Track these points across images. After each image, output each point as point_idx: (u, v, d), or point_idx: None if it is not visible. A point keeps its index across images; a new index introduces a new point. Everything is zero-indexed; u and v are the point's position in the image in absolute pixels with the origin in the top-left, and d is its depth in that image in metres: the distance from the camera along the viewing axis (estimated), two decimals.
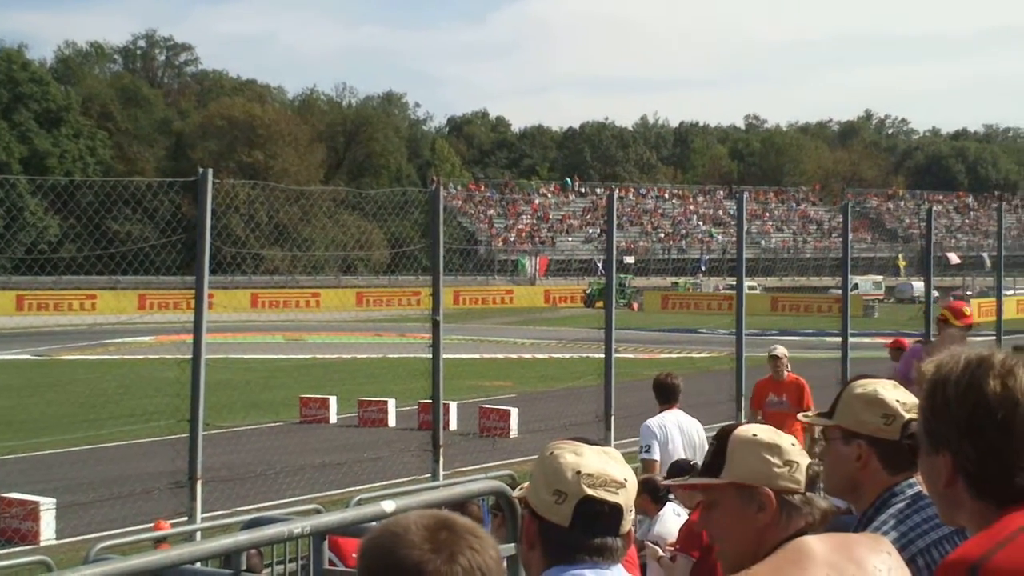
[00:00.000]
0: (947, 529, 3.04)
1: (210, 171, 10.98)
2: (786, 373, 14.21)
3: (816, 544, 2.69)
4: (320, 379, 32.88)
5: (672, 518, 8.44)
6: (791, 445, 2.85)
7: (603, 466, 2.61)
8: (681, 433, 10.23)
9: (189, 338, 10.89)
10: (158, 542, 10.61)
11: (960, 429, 2.20)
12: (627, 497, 2.61)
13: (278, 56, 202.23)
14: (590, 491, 2.57)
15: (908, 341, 15.77)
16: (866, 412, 3.32)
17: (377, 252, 57.91)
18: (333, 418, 26.52)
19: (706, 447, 9.97)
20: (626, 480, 2.62)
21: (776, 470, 2.79)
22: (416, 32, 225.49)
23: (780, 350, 14.43)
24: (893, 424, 3.27)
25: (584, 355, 38.89)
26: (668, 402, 10.47)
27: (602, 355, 14.74)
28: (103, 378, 31.61)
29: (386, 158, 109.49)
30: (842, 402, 3.39)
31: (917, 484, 3.26)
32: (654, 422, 10.31)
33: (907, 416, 3.22)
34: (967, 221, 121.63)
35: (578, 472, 2.59)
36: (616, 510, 2.59)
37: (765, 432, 2.87)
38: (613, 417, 14.57)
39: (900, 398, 3.32)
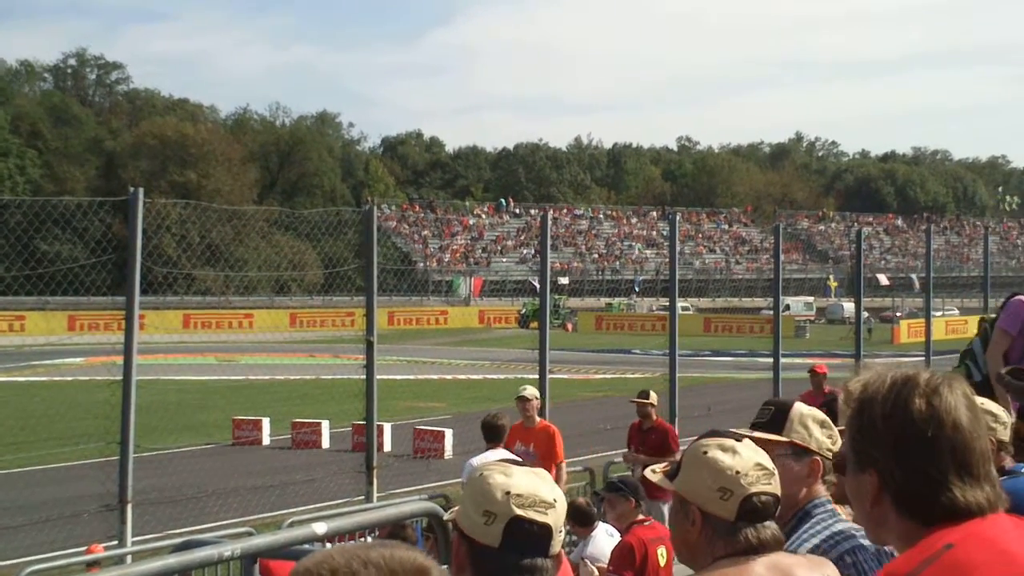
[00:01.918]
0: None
1: (141, 190, 10.89)
2: (537, 418, 12.41)
3: (756, 567, 2.71)
4: (253, 400, 32.61)
5: (604, 538, 8.50)
6: (749, 470, 2.79)
7: (533, 486, 2.60)
8: None
9: (119, 359, 10.78)
10: (89, 566, 10.48)
11: (886, 448, 2.22)
12: (556, 518, 2.60)
13: (211, 75, 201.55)
14: (519, 511, 2.55)
15: (826, 368, 15.81)
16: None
17: (311, 273, 57.62)
18: (266, 440, 26.31)
19: None
20: (555, 500, 2.61)
21: (708, 494, 2.77)
22: (350, 53, 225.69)
23: (529, 391, 12.50)
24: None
25: (518, 376, 38.81)
26: (493, 441, 10.92)
27: (536, 376, 14.74)
28: (32, 400, 31.16)
29: (320, 178, 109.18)
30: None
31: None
32: (476, 460, 10.51)
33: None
34: (896, 243, 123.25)
35: (507, 492, 2.56)
36: (546, 530, 2.58)
37: (719, 451, 2.82)
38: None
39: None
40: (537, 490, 2.60)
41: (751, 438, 3.25)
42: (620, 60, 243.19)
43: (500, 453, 10.54)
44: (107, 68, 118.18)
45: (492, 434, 10.98)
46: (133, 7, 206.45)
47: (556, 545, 2.60)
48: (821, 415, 3.40)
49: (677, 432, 13.90)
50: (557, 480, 10.64)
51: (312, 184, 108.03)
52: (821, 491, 3.38)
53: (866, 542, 3.19)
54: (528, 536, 2.57)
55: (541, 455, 11.90)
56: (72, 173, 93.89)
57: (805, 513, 3.33)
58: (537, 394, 12.60)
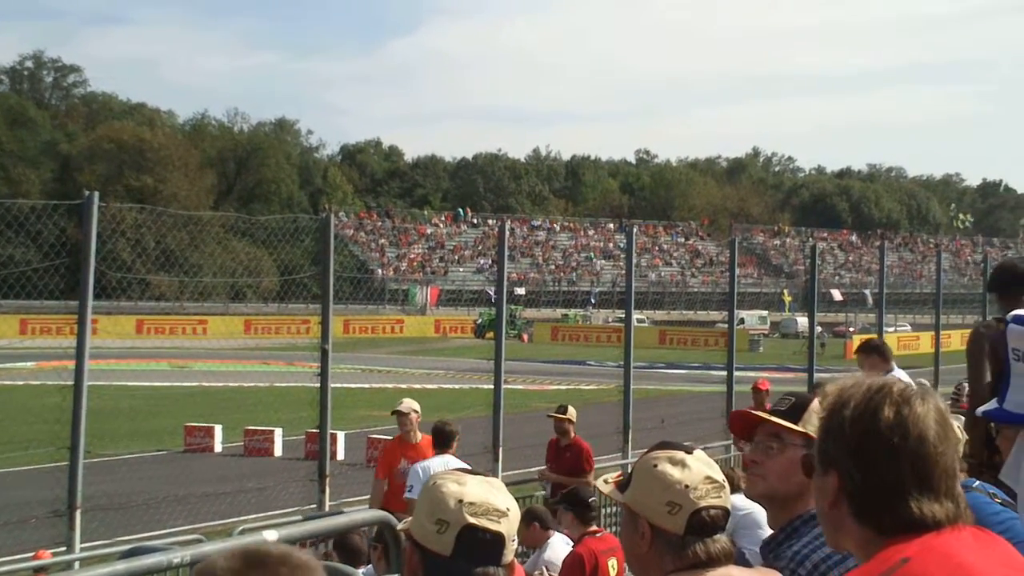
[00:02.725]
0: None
1: (96, 194, 10.83)
2: (419, 434, 11.76)
3: None
4: (206, 407, 32.42)
5: (562, 546, 8.53)
6: (699, 483, 2.78)
7: (486, 495, 2.60)
8: None
9: (71, 364, 10.71)
10: (37, 572, 10.39)
11: (850, 450, 2.24)
12: (509, 526, 2.61)
13: (169, 80, 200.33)
14: (472, 520, 2.57)
15: (769, 384, 15.86)
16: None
17: (266, 279, 57.30)
18: (218, 447, 26.17)
19: None
20: (508, 509, 2.62)
21: (657, 507, 2.78)
22: (310, 60, 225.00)
23: (406, 404, 11.96)
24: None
25: (473, 386, 38.87)
26: (441, 447, 10.91)
27: (491, 386, 14.75)
28: None
29: (277, 185, 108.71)
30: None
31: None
32: (419, 465, 10.67)
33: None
34: (850, 259, 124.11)
35: (460, 501, 2.58)
36: (498, 539, 2.58)
37: (668, 464, 2.81)
38: (501, 448, 14.59)
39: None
40: (490, 499, 2.61)
41: (768, 422, 3.29)
42: (579, 72, 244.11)
43: (444, 458, 10.61)
44: (64, 71, 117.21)
45: (440, 440, 10.95)
46: (92, 10, 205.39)
47: (509, 554, 2.61)
48: None
49: (592, 450, 13.32)
50: None
51: (269, 191, 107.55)
52: None
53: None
54: (480, 544, 2.57)
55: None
56: (27, 176, 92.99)
57: (812, 516, 3.20)
58: (416, 407, 12.02)
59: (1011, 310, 3.43)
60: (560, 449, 13.03)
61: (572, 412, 13.20)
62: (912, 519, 2.18)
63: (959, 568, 2.10)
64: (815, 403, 3.34)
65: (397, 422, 12.08)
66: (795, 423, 3.34)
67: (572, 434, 13.07)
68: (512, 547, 2.62)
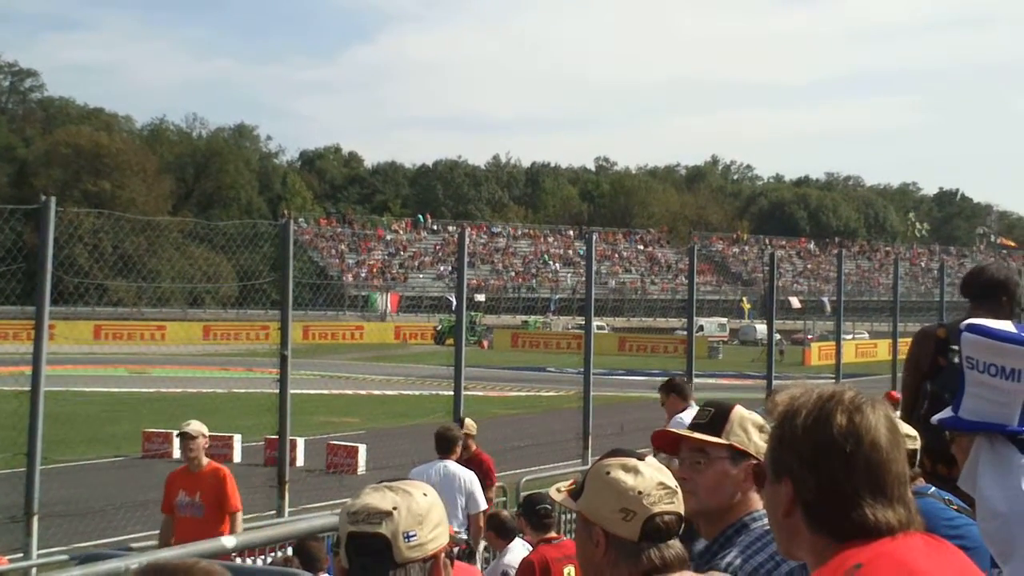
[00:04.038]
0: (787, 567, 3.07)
1: (53, 199, 10.76)
2: (204, 460, 10.45)
3: None
4: (164, 413, 32.21)
5: (521, 550, 8.56)
6: (652, 489, 2.81)
7: (366, 500, 2.64)
8: (442, 479, 10.37)
9: (28, 369, 10.63)
10: None
11: (803, 458, 2.26)
12: (394, 527, 2.60)
13: (127, 85, 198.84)
14: (352, 527, 2.62)
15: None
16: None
17: (225, 285, 57.09)
18: (176, 453, 25.96)
19: (476, 494, 10.64)
20: (394, 508, 2.61)
21: (611, 515, 2.79)
22: (269, 66, 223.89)
23: (194, 426, 10.49)
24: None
25: (434, 392, 38.89)
26: (443, 453, 10.84)
27: (451, 392, 14.75)
28: None
29: (236, 190, 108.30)
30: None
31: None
32: (419, 469, 10.75)
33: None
34: (809, 267, 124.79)
35: (346, 512, 2.64)
36: (382, 541, 2.60)
37: (621, 471, 2.83)
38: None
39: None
40: (368, 502, 2.63)
41: (691, 439, 3.28)
42: (539, 79, 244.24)
43: (444, 463, 10.74)
44: (21, 75, 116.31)
45: (442, 446, 10.85)
46: (49, 15, 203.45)
47: (401, 552, 2.61)
48: (760, 419, 3.36)
49: (493, 463, 12.81)
50: (232, 530, 10.18)
51: (228, 196, 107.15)
52: (758, 502, 3.27)
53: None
54: (366, 551, 2.61)
55: (209, 504, 10.21)
56: None
57: (743, 525, 3.27)
58: (205, 431, 10.54)
59: (984, 316, 3.47)
60: (462, 464, 11.74)
61: (471, 425, 12.62)
62: (866, 525, 2.20)
63: (912, 574, 2.13)
64: (735, 412, 3.36)
65: (181, 448, 10.92)
66: (718, 435, 3.31)
67: (473, 447, 12.41)
68: (404, 544, 2.61)
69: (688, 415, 10.37)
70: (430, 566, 2.64)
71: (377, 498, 2.63)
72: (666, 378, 11.38)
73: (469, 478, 10.70)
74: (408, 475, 10.50)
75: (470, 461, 11.92)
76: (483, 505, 10.67)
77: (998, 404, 2.90)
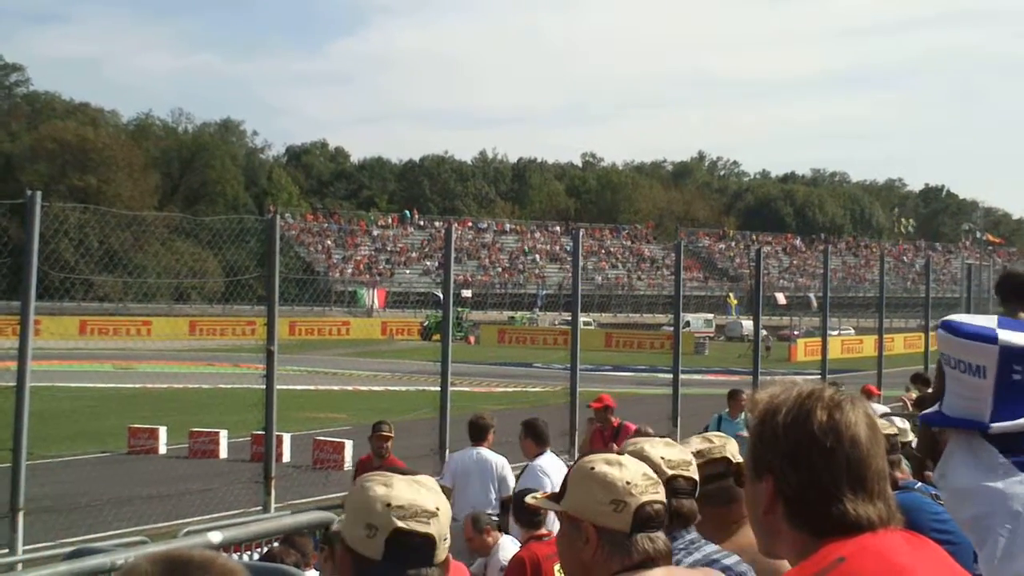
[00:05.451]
0: None
1: (39, 194, 10.72)
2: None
3: None
4: (150, 409, 32.19)
5: (511, 547, 8.56)
6: (638, 480, 2.83)
7: (413, 496, 2.57)
8: (477, 465, 11.03)
9: (13, 365, 10.61)
10: None
11: (784, 455, 2.27)
12: (439, 527, 2.59)
13: (113, 80, 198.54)
14: (400, 523, 2.54)
15: (612, 400, 15.29)
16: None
17: (211, 280, 57.02)
18: (163, 449, 25.97)
19: (507, 479, 11.07)
20: (438, 509, 2.60)
21: (600, 508, 2.80)
22: (255, 60, 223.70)
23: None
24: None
25: (420, 388, 38.79)
26: (477, 440, 11.16)
27: (438, 388, 14.75)
28: None
29: (222, 186, 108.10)
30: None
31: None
32: (457, 455, 11.28)
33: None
34: (795, 262, 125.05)
35: (388, 504, 2.55)
36: (428, 541, 2.56)
37: (605, 466, 2.84)
38: (448, 450, 14.56)
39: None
40: (418, 500, 2.59)
41: (536, 506, 3.22)
42: (526, 74, 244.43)
43: (477, 450, 11.13)
44: (6, 70, 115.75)
45: (476, 433, 11.18)
46: (34, 9, 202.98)
47: (441, 553, 2.60)
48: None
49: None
50: None
51: (214, 191, 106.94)
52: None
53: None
54: (410, 548, 2.56)
55: None
56: None
57: None
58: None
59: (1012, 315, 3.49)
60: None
61: (389, 429, 12.18)
62: (847, 520, 2.21)
63: (894, 568, 2.14)
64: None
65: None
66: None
67: (389, 452, 11.96)
68: (444, 546, 2.61)
69: (546, 461, 10.49)
70: (444, 565, 2.64)
71: (422, 495, 2.60)
72: (527, 418, 10.95)
73: (501, 463, 11.15)
74: (448, 461, 11.10)
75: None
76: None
77: (970, 400, 2.92)
